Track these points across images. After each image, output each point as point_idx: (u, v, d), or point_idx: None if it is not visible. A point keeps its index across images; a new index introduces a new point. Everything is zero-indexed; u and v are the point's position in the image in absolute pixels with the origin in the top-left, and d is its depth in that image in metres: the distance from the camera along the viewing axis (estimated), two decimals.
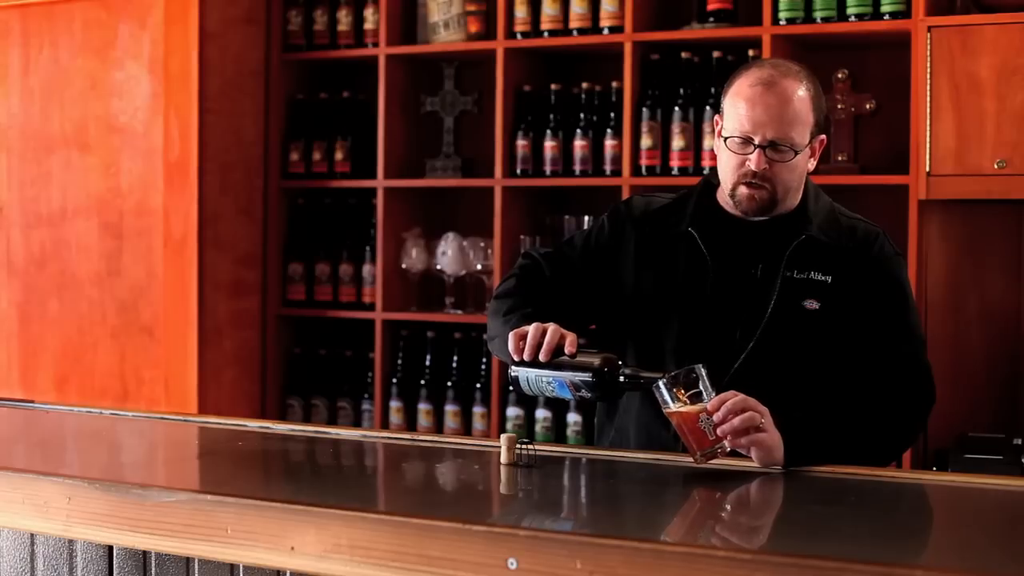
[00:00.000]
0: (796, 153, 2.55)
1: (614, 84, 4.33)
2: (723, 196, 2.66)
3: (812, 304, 2.58)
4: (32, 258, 4.85)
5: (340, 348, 4.82)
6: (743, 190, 2.58)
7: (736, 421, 2.27)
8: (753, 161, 2.55)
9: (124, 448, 2.85)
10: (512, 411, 4.42)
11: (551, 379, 2.43)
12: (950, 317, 3.80)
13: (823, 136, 2.65)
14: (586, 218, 4.40)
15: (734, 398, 2.30)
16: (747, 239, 2.64)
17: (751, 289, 2.60)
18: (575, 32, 4.35)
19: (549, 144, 4.41)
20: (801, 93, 2.57)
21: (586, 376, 2.39)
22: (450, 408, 4.57)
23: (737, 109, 2.57)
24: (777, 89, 2.55)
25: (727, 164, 2.61)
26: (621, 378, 2.39)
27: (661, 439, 2.57)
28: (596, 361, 2.40)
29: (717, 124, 2.65)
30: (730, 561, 1.74)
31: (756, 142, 2.55)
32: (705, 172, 4.07)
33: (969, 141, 3.60)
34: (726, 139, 2.59)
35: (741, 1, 4.20)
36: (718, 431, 2.28)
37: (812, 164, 2.65)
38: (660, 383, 2.32)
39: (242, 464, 2.57)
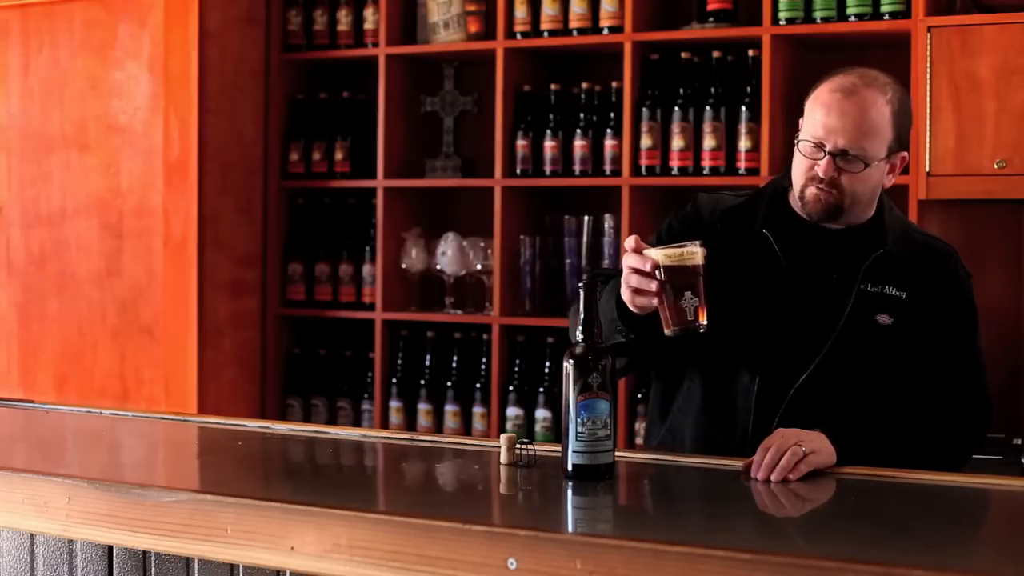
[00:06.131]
0: (866, 165, 2.49)
1: (614, 84, 4.32)
2: (795, 200, 2.60)
3: (885, 319, 2.53)
4: (32, 258, 4.85)
5: (340, 348, 4.82)
6: (811, 191, 2.52)
7: (783, 461, 2.24)
8: (822, 167, 2.49)
9: (124, 448, 2.85)
10: (512, 411, 4.42)
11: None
12: None
13: (904, 153, 2.58)
14: (586, 218, 4.40)
15: (779, 442, 2.26)
16: (821, 246, 2.58)
17: (824, 297, 2.55)
18: (575, 32, 4.35)
19: (549, 144, 4.41)
20: (882, 105, 2.50)
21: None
22: (450, 408, 4.56)
23: (814, 114, 2.51)
24: (856, 98, 2.49)
25: (798, 166, 2.55)
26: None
27: (723, 447, 2.51)
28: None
29: (801, 125, 2.58)
30: (730, 561, 1.74)
31: (827, 149, 2.48)
32: (705, 172, 4.08)
33: (969, 141, 3.60)
34: (800, 141, 2.53)
35: (741, 1, 4.20)
36: (770, 474, 2.25)
37: (890, 180, 2.58)
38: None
39: (242, 464, 2.57)
